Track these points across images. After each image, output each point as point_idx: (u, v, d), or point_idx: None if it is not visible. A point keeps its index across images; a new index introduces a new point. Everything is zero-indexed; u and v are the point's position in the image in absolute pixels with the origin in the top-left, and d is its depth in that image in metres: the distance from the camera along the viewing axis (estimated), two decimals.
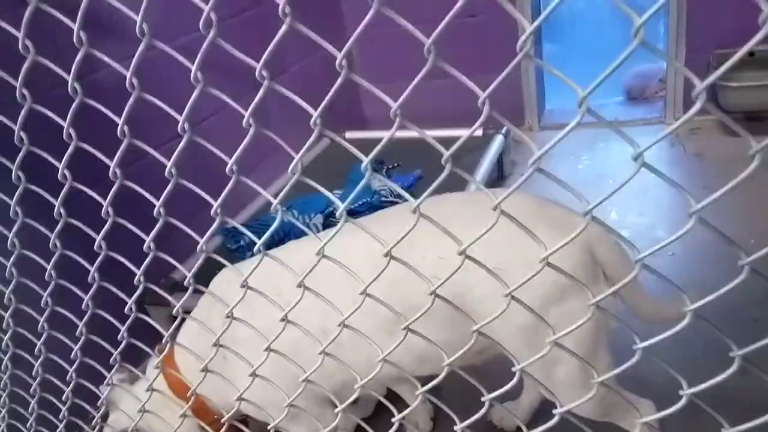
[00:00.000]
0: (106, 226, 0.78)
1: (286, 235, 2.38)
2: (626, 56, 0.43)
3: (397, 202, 2.55)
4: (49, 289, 0.94)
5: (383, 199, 2.55)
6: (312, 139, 0.59)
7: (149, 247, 0.77)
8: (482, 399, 0.75)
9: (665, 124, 3.22)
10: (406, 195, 0.62)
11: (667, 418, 0.64)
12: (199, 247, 0.75)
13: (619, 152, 3.07)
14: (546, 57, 3.78)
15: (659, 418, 0.66)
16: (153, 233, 0.76)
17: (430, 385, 0.76)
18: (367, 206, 2.40)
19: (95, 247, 0.82)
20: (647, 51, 0.45)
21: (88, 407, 1.11)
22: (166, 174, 0.70)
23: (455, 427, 0.78)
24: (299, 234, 2.39)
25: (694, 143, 3.02)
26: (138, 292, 0.83)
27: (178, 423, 1.07)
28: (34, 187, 0.82)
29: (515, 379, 0.70)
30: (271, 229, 0.73)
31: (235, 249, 2.28)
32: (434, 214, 0.60)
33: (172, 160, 0.69)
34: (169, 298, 0.86)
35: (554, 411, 0.72)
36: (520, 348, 1.01)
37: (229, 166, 0.66)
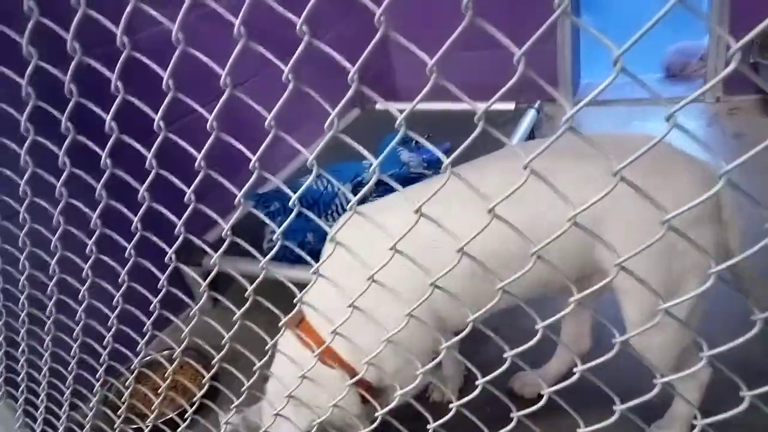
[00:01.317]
0: (150, 177, 0.82)
1: (315, 202, 2.42)
2: (664, 13, 0.44)
3: (425, 174, 2.55)
4: (94, 237, 0.99)
5: (412, 170, 2.56)
6: (349, 93, 0.61)
7: (190, 198, 0.81)
8: (504, 356, 0.78)
9: (705, 102, 3.14)
10: (442, 155, 0.64)
11: None
12: (237, 199, 0.78)
13: (654, 130, 2.95)
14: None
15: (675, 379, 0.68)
16: (194, 185, 0.79)
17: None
18: (395, 177, 2.41)
19: (139, 198, 0.86)
20: (686, 9, 0.45)
21: (127, 352, 1.17)
22: (207, 127, 0.73)
23: (476, 382, 0.81)
24: (328, 201, 2.43)
25: (733, 124, 2.95)
26: (178, 241, 0.87)
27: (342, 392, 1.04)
28: (81, 138, 0.86)
29: (538, 336, 0.72)
30: (305, 185, 0.76)
31: (265, 215, 2.33)
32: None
33: (213, 113, 0.72)
34: (207, 248, 0.90)
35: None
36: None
37: (268, 120, 0.69)
